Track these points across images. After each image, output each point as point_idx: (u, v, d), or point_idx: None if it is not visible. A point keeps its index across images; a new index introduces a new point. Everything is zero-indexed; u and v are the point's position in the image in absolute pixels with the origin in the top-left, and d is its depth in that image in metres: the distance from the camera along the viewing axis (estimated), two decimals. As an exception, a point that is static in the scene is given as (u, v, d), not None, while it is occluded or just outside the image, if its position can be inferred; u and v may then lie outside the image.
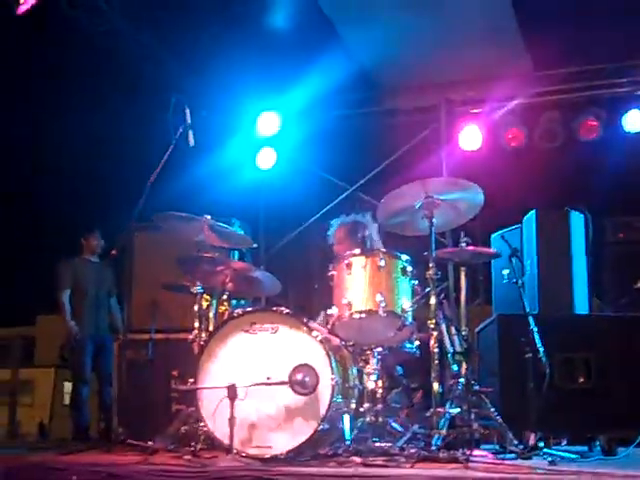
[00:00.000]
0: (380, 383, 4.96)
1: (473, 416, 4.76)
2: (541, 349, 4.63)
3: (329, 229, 6.12)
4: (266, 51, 8.31)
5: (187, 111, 5.60)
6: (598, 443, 5.00)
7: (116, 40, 8.49)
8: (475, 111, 9.20)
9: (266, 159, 9.57)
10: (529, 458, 4.34)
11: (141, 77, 8.85)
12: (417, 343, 5.18)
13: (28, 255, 9.61)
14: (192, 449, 4.61)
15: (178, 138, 5.58)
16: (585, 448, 5.08)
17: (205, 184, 8.47)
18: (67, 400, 8.26)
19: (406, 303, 4.89)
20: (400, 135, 9.44)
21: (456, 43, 8.52)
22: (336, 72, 8.49)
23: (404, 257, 5.02)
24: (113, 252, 5.70)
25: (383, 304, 4.77)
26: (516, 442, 4.57)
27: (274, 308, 4.79)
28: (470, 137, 9.03)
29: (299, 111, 9.45)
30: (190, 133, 5.60)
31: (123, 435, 5.46)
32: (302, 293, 7.24)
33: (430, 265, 4.86)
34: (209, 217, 5.38)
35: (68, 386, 7.99)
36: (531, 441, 4.53)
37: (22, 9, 6.84)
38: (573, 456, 4.49)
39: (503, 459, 4.33)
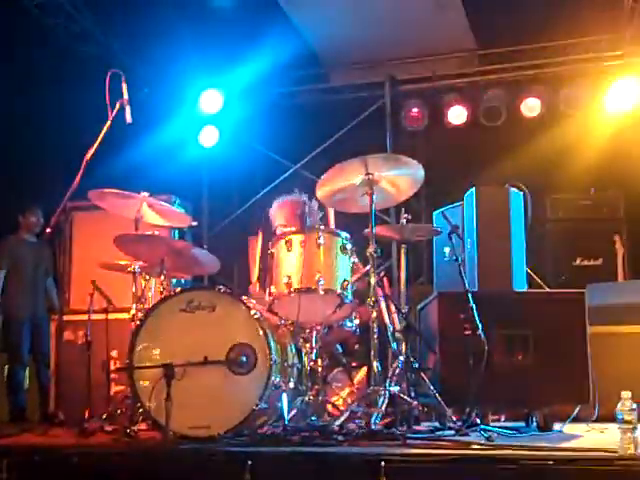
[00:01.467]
0: (319, 362, 4.95)
1: (412, 394, 4.78)
2: (480, 326, 4.64)
3: (269, 210, 6.06)
4: (209, 28, 8.21)
5: (124, 86, 5.47)
6: (534, 419, 5.05)
7: (55, 17, 8.32)
8: (419, 89, 9.20)
9: (209, 137, 9.46)
10: (467, 434, 4.36)
11: (81, 54, 8.68)
12: (357, 322, 5.17)
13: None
14: (129, 430, 4.55)
15: (116, 114, 5.45)
16: (522, 424, 5.13)
17: (147, 162, 8.34)
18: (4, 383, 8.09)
19: (345, 281, 4.87)
20: (345, 113, 9.41)
21: (401, 20, 8.50)
22: (280, 49, 8.41)
23: (344, 234, 4.99)
24: (48, 230, 5.57)
25: (322, 282, 4.75)
26: (454, 419, 4.59)
27: (212, 286, 4.74)
28: (413, 114, 9.04)
29: (242, 89, 9.36)
30: (127, 109, 5.46)
31: (60, 417, 5.36)
32: (246, 272, 7.17)
33: (370, 242, 4.85)
34: (147, 194, 5.29)
35: (6, 369, 7.81)
36: (469, 418, 4.55)
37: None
38: (509, 432, 4.53)
39: (441, 436, 4.35)
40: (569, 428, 4.93)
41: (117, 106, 5.41)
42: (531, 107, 8.72)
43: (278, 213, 5.99)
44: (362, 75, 9.45)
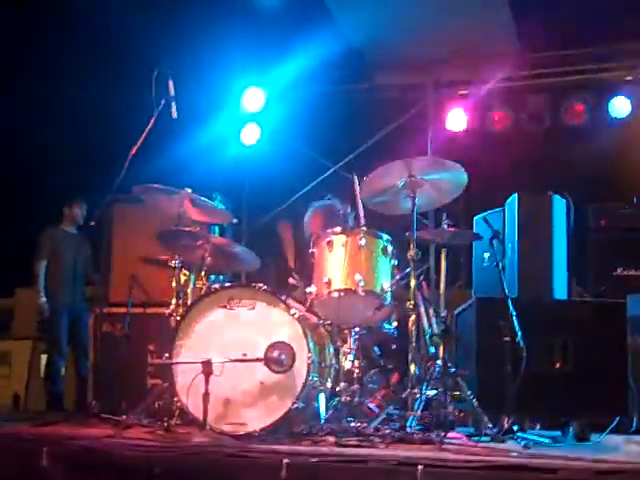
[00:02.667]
0: (357, 363, 4.96)
1: (449, 398, 4.76)
2: (519, 333, 4.61)
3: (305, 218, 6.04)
4: (254, 26, 8.22)
5: (170, 83, 5.52)
6: (572, 428, 5.01)
7: (102, 14, 8.41)
8: (462, 92, 9.15)
9: (250, 135, 9.49)
10: (503, 441, 4.34)
11: (127, 51, 8.77)
12: (395, 324, 5.17)
13: (6, 228, 9.50)
14: (166, 424, 4.59)
15: (161, 111, 5.50)
16: (559, 433, 5.09)
17: (189, 158, 8.39)
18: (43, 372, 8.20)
19: (385, 283, 4.88)
20: (386, 113, 9.37)
21: (445, 22, 8.45)
22: (323, 48, 8.40)
23: (385, 237, 5.00)
24: (92, 223, 5.64)
25: (362, 283, 4.76)
26: (491, 425, 4.57)
27: (252, 284, 4.75)
28: (456, 118, 8.99)
29: (285, 87, 9.36)
30: (173, 105, 5.52)
31: (97, 408, 5.42)
32: (284, 270, 7.19)
33: (411, 246, 4.84)
34: (190, 190, 5.32)
35: (45, 358, 7.92)
36: (506, 425, 4.53)
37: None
38: (546, 441, 4.50)
39: (477, 442, 4.33)
40: (607, 439, 4.87)
41: (162, 102, 5.46)
42: (576, 113, 8.62)
43: (313, 219, 5.97)
44: (406, 76, 9.41)
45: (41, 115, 8.72)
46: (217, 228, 6.67)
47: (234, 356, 4.40)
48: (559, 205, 5.69)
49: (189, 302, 5.13)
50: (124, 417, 4.97)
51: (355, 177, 5.50)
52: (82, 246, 7.73)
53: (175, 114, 5.47)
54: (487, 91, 8.95)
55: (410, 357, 4.72)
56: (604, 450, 4.42)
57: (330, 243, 4.90)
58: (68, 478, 3.92)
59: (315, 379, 4.51)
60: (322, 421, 4.48)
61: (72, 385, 7.51)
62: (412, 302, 4.75)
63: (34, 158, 9.22)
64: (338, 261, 4.86)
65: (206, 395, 4.23)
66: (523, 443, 4.18)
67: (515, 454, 3.84)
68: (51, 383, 7.45)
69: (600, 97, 8.65)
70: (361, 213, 5.60)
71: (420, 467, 3.43)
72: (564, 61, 8.84)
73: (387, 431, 4.44)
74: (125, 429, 4.75)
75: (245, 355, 4.42)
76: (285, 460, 3.61)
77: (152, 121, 5.45)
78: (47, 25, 7.81)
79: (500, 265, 4.94)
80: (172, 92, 5.50)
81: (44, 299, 7.42)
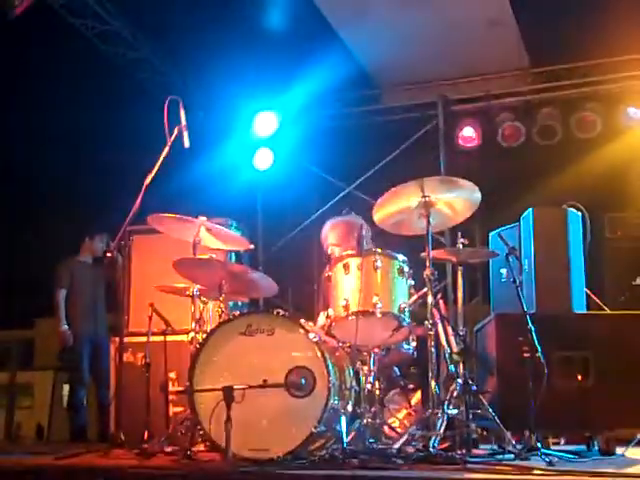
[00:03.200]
0: (377, 384, 4.95)
1: (471, 417, 4.74)
2: (539, 348, 4.60)
3: (322, 232, 6.08)
4: (262, 51, 8.30)
5: (182, 112, 5.57)
6: (596, 442, 4.98)
7: (115, 45, 8.53)
8: (472, 108, 9.17)
9: (263, 159, 9.55)
10: (527, 459, 4.31)
11: (136, 79, 8.88)
12: (414, 344, 5.16)
13: (26, 258, 9.60)
14: (189, 452, 4.60)
15: (174, 139, 5.54)
16: (583, 448, 5.06)
17: (202, 185, 8.47)
18: (65, 403, 8.24)
19: (403, 304, 4.88)
20: (398, 133, 9.42)
21: (453, 39, 8.50)
22: (333, 71, 8.48)
23: (400, 257, 5.01)
24: (108, 254, 5.68)
25: (379, 305, 4.76)
26: (514, 442, 4.55)
27: (270, 310, 4.76)
28: (467, 135, 9.01)
29: (296, 111, 9.45)
30: (185, 134, 5.56)
31: (120, 437, 5.43)
32: (301, 294, 7.21)
33: (427, 265, 4.85)
34: (205, 218, 5.35)
35: (67, 388, 7.97)
36: (529, 441, 4.50)
37: (18, 11, 6.84)
38: (571, 456, 4.46)
39: (501, 460, 4.32)
40: (632, 452, 4.84)
41: (175, 131, 5.51)
42: (587, 125, 8.61)
43: (330, 232, 6.01)
44: (415, 95, 9.48)
45: (50, 149, 8.84)
46: (234, 255, 6.69)
47: (254, 382, 4.40)
48: (574, 218, 5.67)
49: (208, 329, 5.14)
50: (147, 446, 4.99)
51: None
52: (99, 276, 7.78)
53: (187, 143, 5.51)
54: (498, 107, 8.98)
55: (430, 376, 4.71)
56: (629, 463, 4.39)
57: (346, 265, 4.91)
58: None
59: (336, 402, 4.50)
60: (344, 444, 4.46)
61: (95, 415, 7.54)
62: (430, 321, 4.75)
63: (50, 189, 9.34)
64: (354, 283, 4.86)
65: (228, 422, 4.23)
66: (547, 460, 4.15)
67: (540, 471, 3.82)
68: (74, 413, 7.48)
69: (611, 107, 8.65)
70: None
71: (445, 487, 3.42)
72: (574, 73, 8.86)
73: (410, 452, 4.43)
74: (149, 458, 4.77)
75: (265, 381, 4.42)
76: (309, 485, 3.62)
77: (165, 150, 5.48)
78: (58, 54, 7.91)
79: (517, 281, 4.91)
80: (183, 121, 5.54)
81: (66, 327, 7.46)
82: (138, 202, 5.35)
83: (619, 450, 4.87)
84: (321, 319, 5.50)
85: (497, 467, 4.02)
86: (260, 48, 8.28)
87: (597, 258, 7.16)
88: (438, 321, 5.06)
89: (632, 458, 4.68)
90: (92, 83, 8.30)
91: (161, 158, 5.48)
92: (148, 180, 5.42)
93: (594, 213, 6.54)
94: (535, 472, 3.80)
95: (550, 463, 4.10)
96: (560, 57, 8.74)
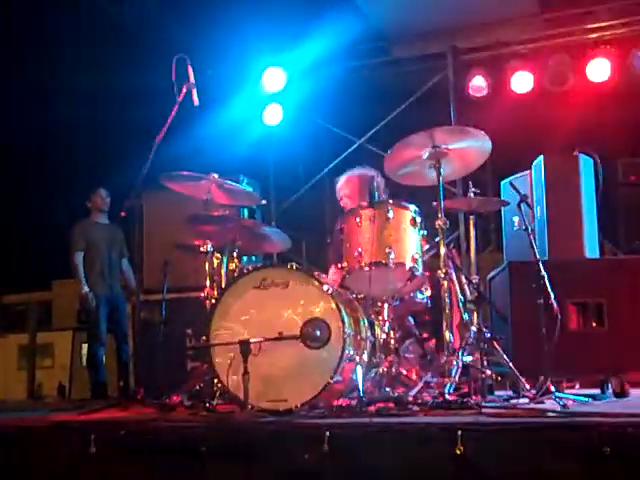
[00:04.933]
0: (392, 334, 4.99)
1: (485, 363, 4.79)
2: (552, 295, 4.62)
3: (336, 184, 6.11)
4: (269, 6, 8.22)
5: (190, 70, 5.56)
6: (610, 386, 5.02)
7: (120, 4, 8.48)
8: (483, 57, 9.08)
9: (273, 115, 9.51)
10: (542, 402, 4.36)
11: (145, 38, 8.82)
12: (428, 293, 5.19)
13: (42, 220, 9.65)
14: (208, 405, 4.67)
15: (183, 98, 5.54)
16: (597, 391, 5.10)
17: (213, 143, 8.45)
18: (85, 361, 8.36)
19: (416, 254, 4.90)
20: (408, 85, 9.34)
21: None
22: (342, 24, 8.40)
23: (412, 208, 5.01)
24: (122, 213, 5.72)
25: (392, 255, 4.78)
26: (528, 387, 4.59)
27: (284, 263, 4.80)
28: (478, 84, 8.93)
29: (305, 65, 9.36)
30: (194, 92, 5.56)
31: (140, 393, 5.53)
32: (315, 248, 7.24)
33: (439, 215, 4.86)
34: (216, 175, 5.37)
35: (86, 348, 8.08)
36: (543, 386, 4.55)
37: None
38: (585, 399, 4.51)
39: (516, 404, 4.37)
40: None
41: (184, 90, 5.50)
42: (599, 70, 8.52)
43: (345, 185, 6.05)
44: (424, 46, 9.37)
45: (65, 111, 8.83)
46: (246, 210, 6.72)
47: (270, 335, 4.46)
48: (586, 164, 5.65)
49: (223, 285, 5.20)
50: (167, 400, 5.07)
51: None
52: (115, 235, 7.83)
53: (196, 101, 5.51)
54: (508, 54, 8.88)
55: (445, 325, 4.75)
56: (643, 406, 4.44)
57: (359, 217, 4.93)
58: (117, 463, 4.02)
59: (352, 352, 4.55)
60: (361, 393, 4.52)
61: (115, 372, 7.65)
62: (443, 270, 4.78)
63: (62, 153, 9.36)
64: (367, 235, 4.88)
65: (245, 374, 4.29)
66: (561, 403, 4.19)
67: (553, 414, 3.87)
68: (94, 372, 7.59)
69: (623, 52, 8.53)
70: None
71: (460, 432, 3.46)
72: (585, 18, 8.73)
73: (426, 399, 4.48)
74: (169, 412, 4.86)
75: (281, 333, 4.47)
76: (327, 433, 3.66)
77: (175, 109, 5.49)
78: (62, 14, 7.89)
79: (530, 228, 4.92)
80: (192, 79, 5.54)
81: (87, 289, 7.53)
82: (149, 161, 5.37)
83: (633, 393, 4.91)
84: (331, 272, 5.55)
85: (512, 411, 4.07)
86: (267, 3, 8.20)
87: (610, 204, 7.13)
88: (451, 270, 5.08)
89: (646, 400, 4.72)
90: (98, 43, 8.27)
91: (171, 117, 5.49)
92: (159, 139, 5.44)
93: (607, 159, 6.51)
94: (549, 414, 3.85)
95: (564, 406, 4.14)
96: (570, 2, 8.61)
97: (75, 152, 9.29)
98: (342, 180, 6.10)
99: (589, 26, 8.68)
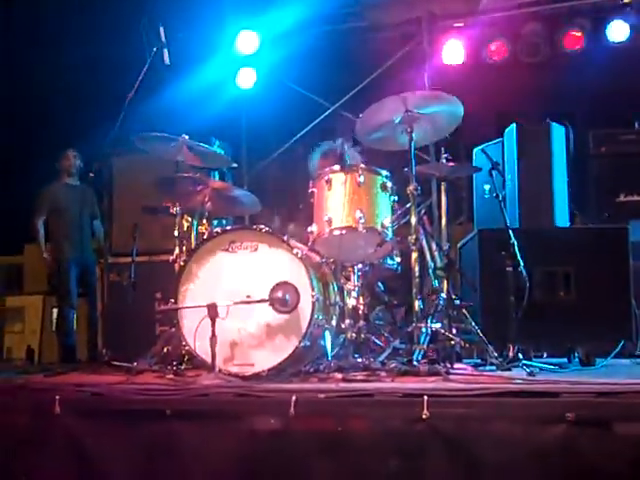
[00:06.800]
0: (361, 300, 4.99)
1: (454, 330, 4.81)
2: (521, 263, 4.63)
3: (310, 161, 6.02)
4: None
5: (161, 30, 5.48)
6: (577, 355, 5.06)
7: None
8: (457, 25, 9.02)
9: (246, 78, 9.40)
10: (508, 370, 4.39)
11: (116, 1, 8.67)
12: (398, 259, 5.18)
13: (11, 185, 9.53)
14: (175, 368, 4.65)
15: (153, 57, 5.46)
16: (564, 360, 5.15)
17: (185, 105, 8.34)
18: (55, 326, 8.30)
19: (386, 219, 4.88)
20: (383, 50, 9.26)
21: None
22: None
23: (384, 173, 4.98)
24: (90, 174, 5.64)
25: (363, 220, 4.76)
26: (496, 355, 4.61)
27: (254, 226, 4.77)
28: (452, 51, 8.88)
29: (279, 29, 9.24)
30: (165, 52, 5.48)
31: (108, 356, 5.49)
32: (286, 212, 7.21)
33: (410, 181, 4.83)
34: (187, 137, 5.31)
35: (56, 312, 8.01)
36: (511, 354, 4.57)
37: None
38: (552, 367, 4.55)
39: (483, 371, 4.39)
40: (612, 363, 4.93)
41: (154, 49, 5.42)
42: (573, 40, 8.50)
43: (319, 164, 5.96)
44: (400, 12, 9.27)
45: (31, 72, 8.69)
46: (217, 173, 6.66)
47: (239, 298, 4.43)
48: (558, 133, 5.65)
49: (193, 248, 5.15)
50: (134, 364, 5.04)
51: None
52: (86, 196, 7.69)
53: (167, 60, 5.43)
54: (483, 22, 8.83)
55: (414, 292, 4.75)
56: (608, 374, 4.47)
57: (329, 181, 4.89)
58: (81, 424, 3.99)
59: (320, 317, 4.54)
60: (329, 358, 4.52)
61: (83, 336, 7.59)
62: (414, 237, 4.76)
63: (34, 116, 9.22)
64: (338, 199, 4.85)
65: (213, 338, 4.28)
66: (528, 370, 4.22)
67: (520, 381, 3.89)
68: (63, 335, 7.51)
69: (597, 22, 8.51)
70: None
71: (426, 397, 3.48)
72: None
73: (393, 365, 4.49)
74: (136, 375, 4.83)
75: (249, 297, 4.45)
76: (293, 397, 3.66)
77: (145, 68, 5.41)
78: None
79: (500, 196, 4.93)
80: (163, 38, 5.45)
81: (47, 254, 7.45)
82: (119, 121, 5.30)
83: (598, 362, 4.95)
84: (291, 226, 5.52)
85: (478, 378, 4.09)
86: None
87: (582, 174, 7.15)
88: (422, 237, 5.08)
89: (611, 369, 4.77)
90: (69, 7, 8.12)
91: (140, 77, 5.41)
92: (128, 98, 5.37)
93: (578, 129, 6.51)
94: (516, 381, 3.87)
95: (531, 374, 4.17)
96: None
97: (47, 115, 9.15)
98: (317, 159, 6.00)
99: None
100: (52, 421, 3.97)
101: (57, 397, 3.99)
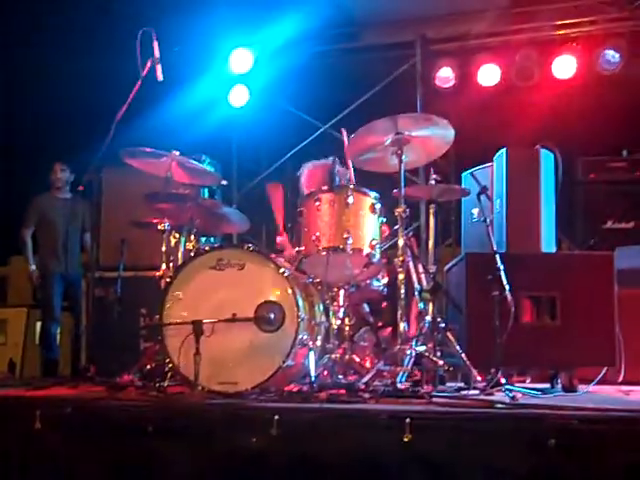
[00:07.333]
0: (347, 321, 4.98)
1: (439, 353, 4.81)
2: (507, 287, 4.64)
3: (300, 176, 6.06)
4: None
5: (155, 45, 5.49)
6: (559, 380, 5.06)
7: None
8: (451, 48, 9.08)
9: (239, 97, 9.43)
10: (491, 394, 4.38)
11: (111, 13, 8.69)
12: (385, 281, 5.19)
13: (1, 195, 9.51)
14: (158, 385, 4.63)
15: (147, 73, 5.47)
16: (547, 386, 5.15)
17: (177, 121, 8.36)
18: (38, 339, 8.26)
19: (374, 241, 4.88)
20: (375, 72, 9.31)
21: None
22: (312, 7, 8.33)
23: (373, 194, 5.00)
24: (80, 188, 5.64)
25: (350, 241, 4.76)
26: (480, 379, 4.61)
27: (241, 245, 4.77)
28: (445, 75, 8.94)
29: (273, 48, 9.29)
30: (158, 67, 5.48)
31: (91, 371, 5.47)
32: (275, 231, 7.21)
33: (399, 203, 4.85)
34: (177, 153, 5.31)
35: (40, 325, 7.98)
36: (494, 378, 4.57)
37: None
38: (534, 392, 4.55)
39: (466, 395, 4.38)
40: (595, 390, 4.93)
41: (148, 64, 5.43)
42: (564, 67, 8.57)
43: (308, 179, 5.99)
44: (394, 34, 9.32)
45: (25, 83, 8.69)
46: (206, 190, 6.66)
47: (224, 316, 4.43)
48: (547, 159, 5.67)
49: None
50: (118, 379, 5.02)
51: (344, 132, 5.50)
52: (75, 210, 7.65)
53: (160, 76, 5.44)
54: (476, 47, 8.89)
55: (400, 314, 4.75)
56: (591, 400, 4.47)
57: (318, 201, 4.90)
58: (62, 440, 3.97)
59: (305, 337, 4.53)
60: (312, 378, 4.51)
61: (66, 350, 7.56)
62: (401, 259, 4.77)
63: (21, 125, 9.20)
64: (326, 219, 4.86)
65: (197, 355, 4.26)
66: (510, 395, 4.22)
67: (502, 406, 3.89)
68: (46, 350, 7.50)
69: (590, 50, 8.58)
70: (351, 170, 5.59)
71: (408, 420, 3.47)
72: (553, 15, 8.77)
73: (377, 387, 4.49)
74: (119, 391, 4.81)
75: (235, 315, 4.44)
76: (276, 417, 3.66)
77: (138, 84, 5.42)
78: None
79: (488, 220, 4.94)
80: (157, 54, 5.46)
81: (33, 267, 7.44)
82: (110, 136, 5.30)
83: (581, 388, 4.96)
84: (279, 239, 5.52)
85: (461, 402, 4.09)
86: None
87: (569, 201, 7.19)
88: (409, 259, 5.08)
89: (594, 395, 4.77)
90: (62, 16, 8.13)
91: (133, 92, 5.42)
92: (120, 114, 5.37)
93: (568, 156, 6.53)
94: (497, 406, 3.87)
95: (513, 398, 4.17)
96: (540, -2, 8.64)
97: (38, 128, 9.15)
98: (305, 173, 6.04)
99: (557, 22, 8.72)
100: (33, 436, 3.95)
101: (38, 412, 3.97)
